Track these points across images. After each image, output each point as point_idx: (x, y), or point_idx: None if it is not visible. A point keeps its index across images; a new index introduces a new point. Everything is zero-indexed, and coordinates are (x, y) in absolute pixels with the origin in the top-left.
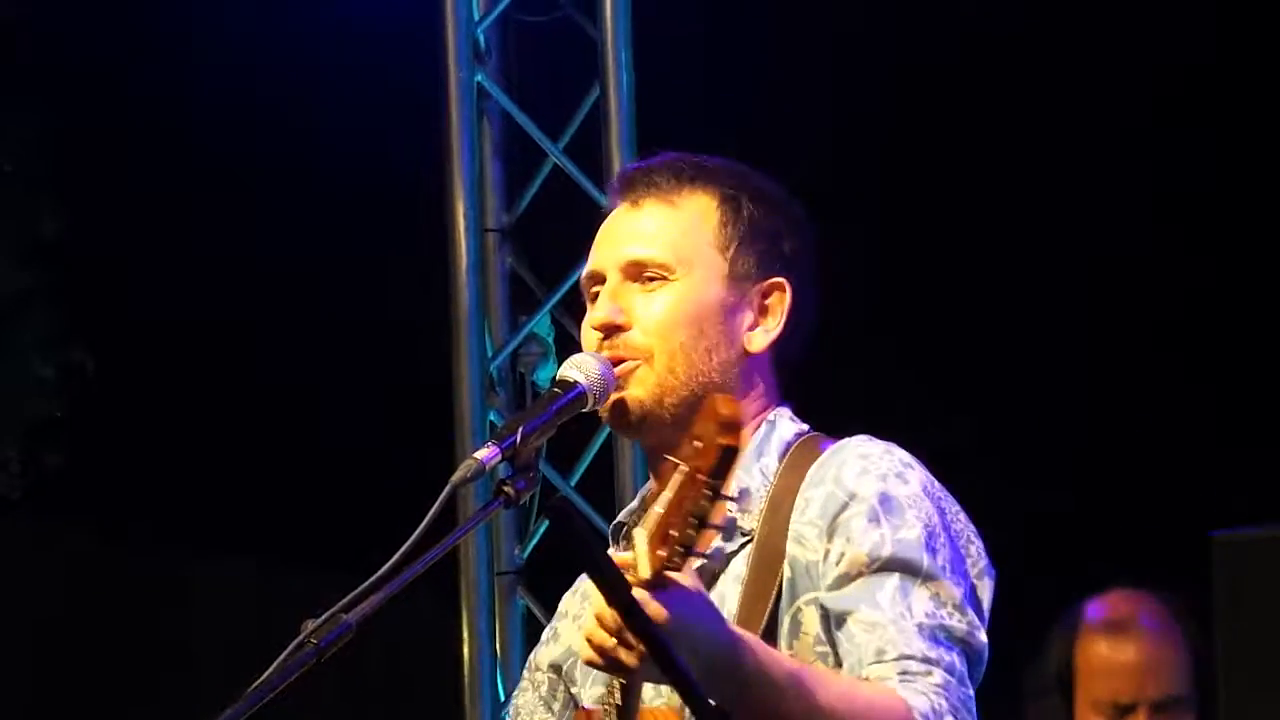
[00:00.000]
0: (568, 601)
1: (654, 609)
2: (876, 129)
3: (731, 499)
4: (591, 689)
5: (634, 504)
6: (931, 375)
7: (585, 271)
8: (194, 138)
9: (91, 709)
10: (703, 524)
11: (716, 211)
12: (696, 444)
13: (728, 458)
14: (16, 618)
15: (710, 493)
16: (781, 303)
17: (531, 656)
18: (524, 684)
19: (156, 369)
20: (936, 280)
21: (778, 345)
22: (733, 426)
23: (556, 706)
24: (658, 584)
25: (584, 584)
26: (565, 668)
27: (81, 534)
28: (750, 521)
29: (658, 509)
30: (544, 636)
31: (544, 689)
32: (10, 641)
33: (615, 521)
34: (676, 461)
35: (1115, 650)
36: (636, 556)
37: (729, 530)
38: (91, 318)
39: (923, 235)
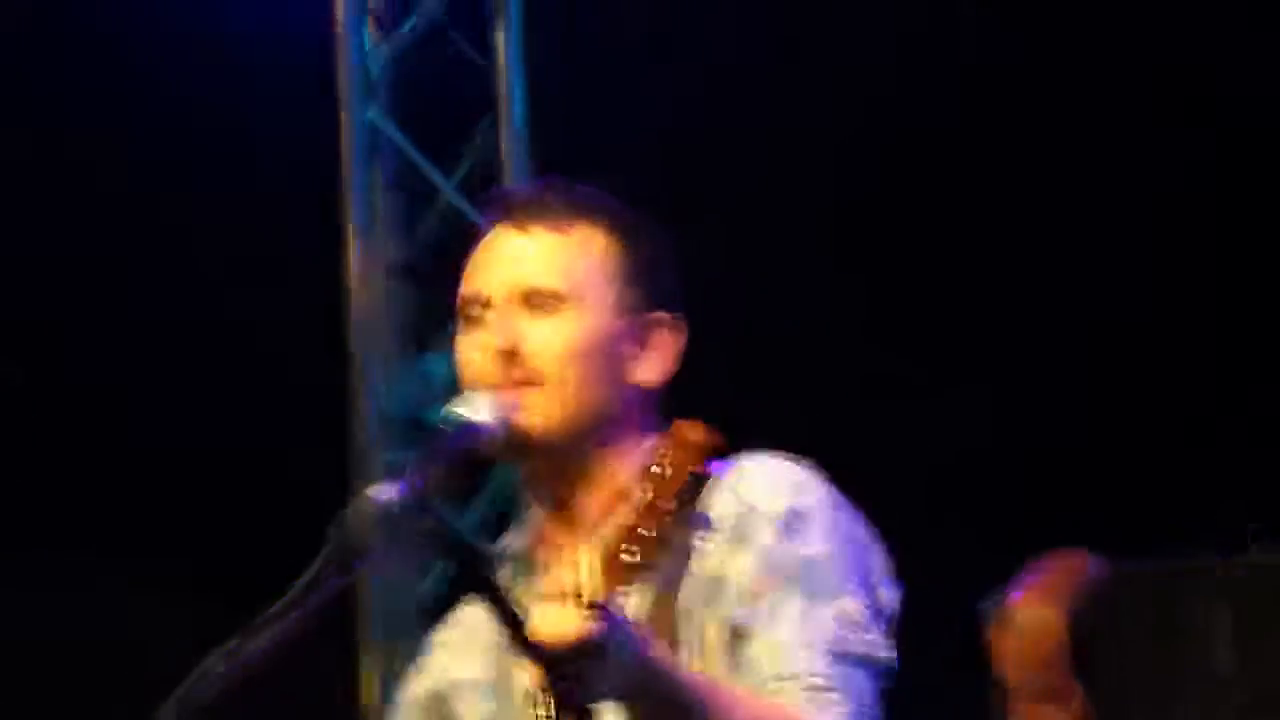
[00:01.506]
0: (444, 634)
1: (595, 629)
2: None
3: (698, 526)
4: (480, 705)
5: (520, 530)
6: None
7: (466, 291)
8: (74, 154)
9: None
10: (660, 548)
11: (605, 243)
12: (657, 469)
13: (698, 484)
14: None
15: (670, 519)
16: (666, 338)
17: (400, 698)
18: None
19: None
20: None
21: (660, 378)
22: (704, 452)
23: None
24: (602, 608)
25: (462, 615)
26: (445, 693)
27: None
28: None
29: (606, 531)
30: (410, 674)
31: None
32: None
33: (499, 549)
34: (642, 490)
35: (998, 635)
36: (587, 577)
37: (681, 555)
38: None
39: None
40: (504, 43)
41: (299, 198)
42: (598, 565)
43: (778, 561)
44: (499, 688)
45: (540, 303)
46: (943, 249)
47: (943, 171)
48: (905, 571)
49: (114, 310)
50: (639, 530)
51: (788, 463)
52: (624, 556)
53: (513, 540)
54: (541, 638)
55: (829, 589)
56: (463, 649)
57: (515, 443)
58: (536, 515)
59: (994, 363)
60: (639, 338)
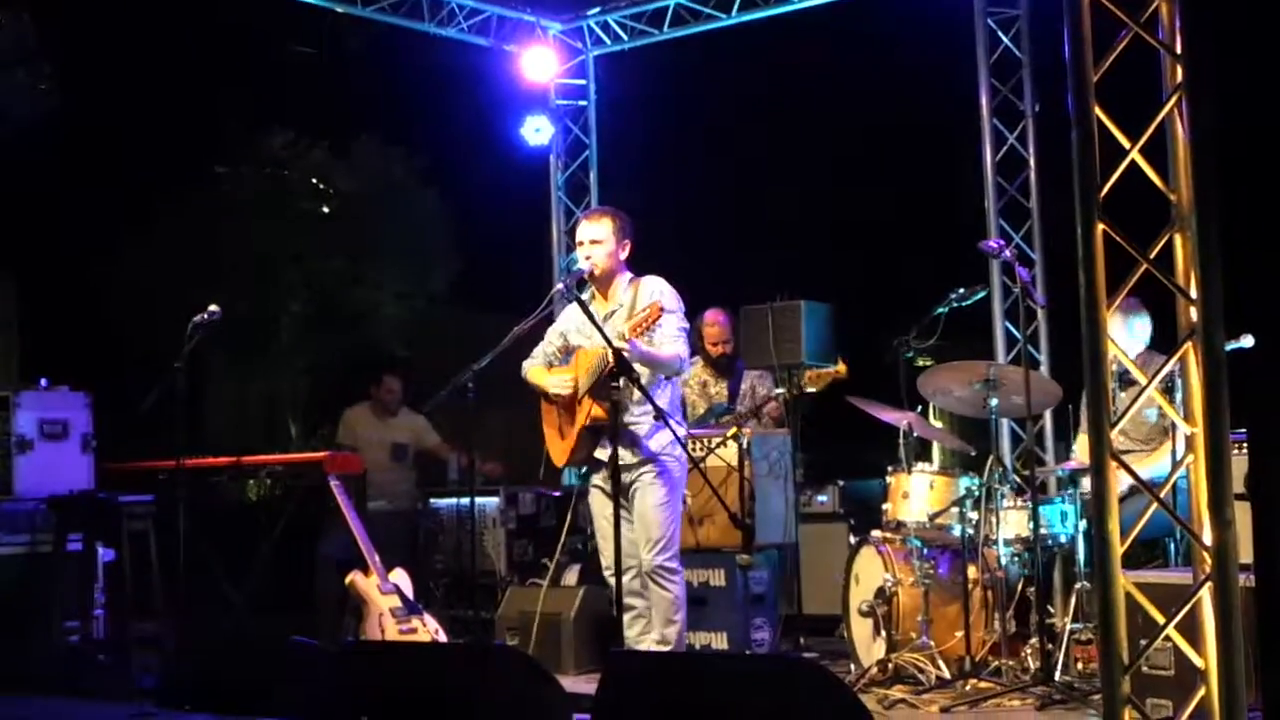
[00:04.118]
0: (563, 315)
1: (627, 346)
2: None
3: (658, 318)
4: (578, 338)
5: (587, 296)
6: None
7: (578, 239)
8: None
9: None
10: (653, 327)
11: (612, 224)
12: (646, 312)
13: (654, 317)
14: None
15: (650, 322)
16: (628, 246)
17: (552, 328)
18: (549, 335)
19: None
20: None
21: (628, 258)
22: (654, 316)
23: (559, 344)
24: (630, 340)
25: (571, 313)
26: (567, 331)
27: None
28: (627, 299)
29: (625, 306)
30: (561, 317)
31: (554, 334)
32: None
33: (580, 298)
34: (645, 307)
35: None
36: (631, 328)
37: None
38: None
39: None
40: (594, 188)
41: (537, 238)
42: (636, 327)
43: (667, 308)
44: (577, 333)
45: (596, 241)
46: None
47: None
48: None
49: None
50: (645, 322)
51: (660, 278)
52: (642, 325)
53: (585, 295)
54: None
55: (675, 313)
56: (570, 318)
57: (592, 273)
58: (593, 291)
59: None
60: (621, 246)
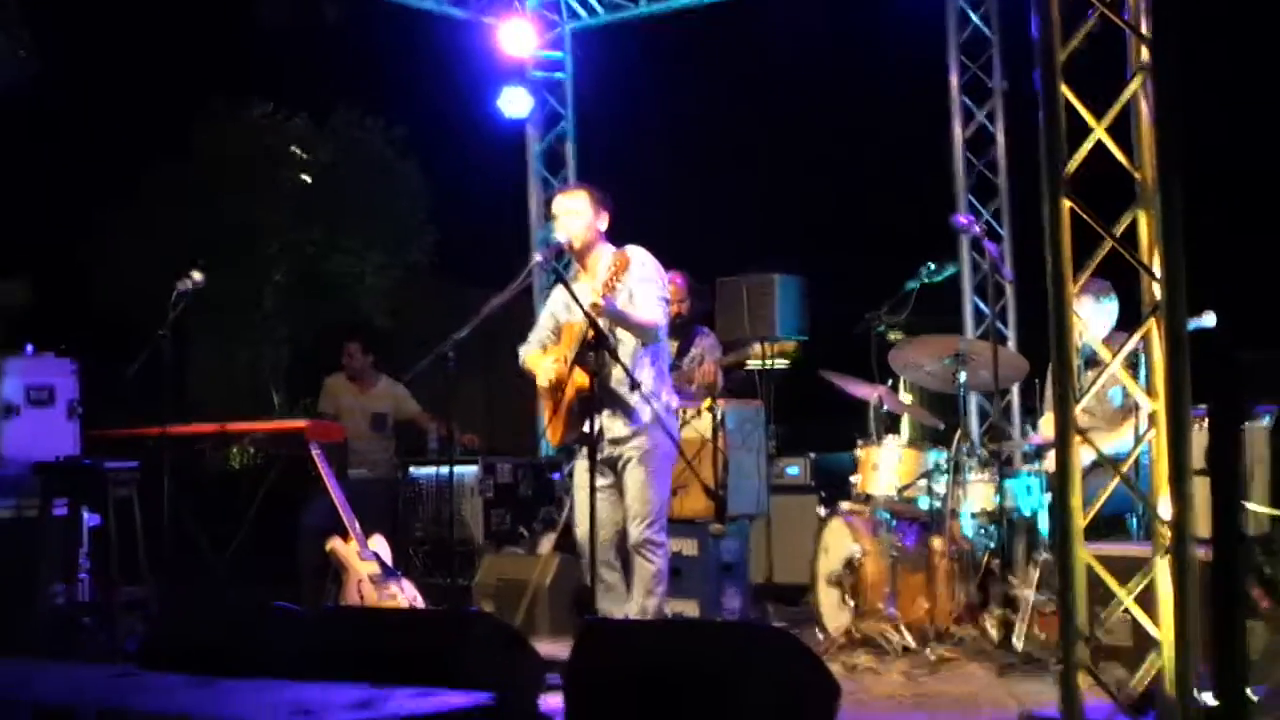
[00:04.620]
0: (552, 294)
1: (601, 301)
2: None
3: (619, 280)
4: (565, 314)
5: (571, 273)
6: None
7: (553, 213)
8: None
9: None
10: (617, 282)
11: (588, 196)
12: (613, 265)
13: (619, 249)
14: None
15: (619, 272)
16: (606, 215)
17: (546, 307)
18: (540, 318)
19: None
20: None
21: (607, 229)
22: (622, 267)
23: (551, 326)
24: (605, 296)
25: (559, 293)
26: (556, 311)
27: None
28: (609, 266)
29: (604, 276)
30: (549, 299)
31: (545, 317)
32: None
33: (564, 278)
34: (615, 263)
35: None
36: (601, 288)
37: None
38: None
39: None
40: (571, 159)
41: (515, 210)
42: (605, 286)
43: (645, 275)
44: (565, 311)
45: (572, 213)
46: None
47: None
48: None
49: None
50: (614, 279)
51: (642, 248)
52: (610, 282)
53: (570, 273)
54: (591, 304)
55: (654, 281)
56: (558, 298)
57: (569, 245)
58: (576, 268)
59: None
60: (599, 217)
